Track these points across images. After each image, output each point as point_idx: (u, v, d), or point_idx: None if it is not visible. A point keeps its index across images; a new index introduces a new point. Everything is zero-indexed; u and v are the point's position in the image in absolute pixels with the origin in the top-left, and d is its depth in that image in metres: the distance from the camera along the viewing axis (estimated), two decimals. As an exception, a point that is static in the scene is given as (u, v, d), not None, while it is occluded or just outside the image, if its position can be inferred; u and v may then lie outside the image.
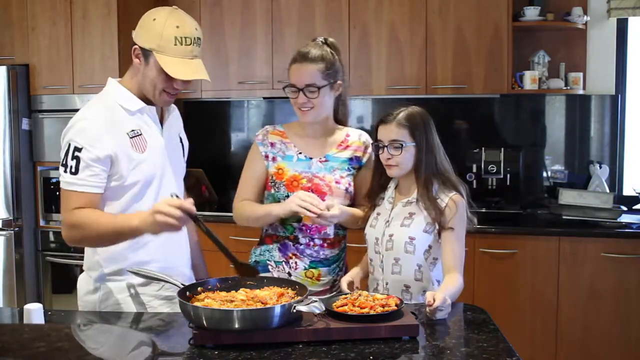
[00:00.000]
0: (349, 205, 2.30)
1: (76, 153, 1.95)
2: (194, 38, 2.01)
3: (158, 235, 1.93)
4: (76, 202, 1.95)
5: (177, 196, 1.89)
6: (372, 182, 2.31)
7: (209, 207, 4.23)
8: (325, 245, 2.28)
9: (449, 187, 2.20)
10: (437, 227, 2.15)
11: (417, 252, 2.16)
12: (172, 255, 2.15)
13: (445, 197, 2.17)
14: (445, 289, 2.01)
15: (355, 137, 2.37)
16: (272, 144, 2.32)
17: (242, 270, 1.95)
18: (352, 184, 2.32)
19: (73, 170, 1.95)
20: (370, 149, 2.35)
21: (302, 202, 2.12)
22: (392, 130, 2.18)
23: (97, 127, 1.97)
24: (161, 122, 2.15)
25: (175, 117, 2.25)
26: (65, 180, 1.97)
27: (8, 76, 4.16)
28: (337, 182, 2.28)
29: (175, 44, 1.97)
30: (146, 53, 2.01)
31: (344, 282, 2.21)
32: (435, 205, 2.15)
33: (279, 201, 2.25)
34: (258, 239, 2.40)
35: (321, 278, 2.28)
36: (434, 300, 1.86)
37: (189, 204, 1.85)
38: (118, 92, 2.07)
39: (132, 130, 2.03)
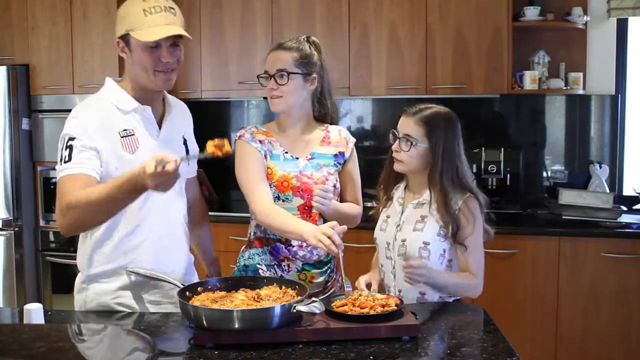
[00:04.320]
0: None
1: (69, 142, 1.92)
2: (164, 7, 1.96)
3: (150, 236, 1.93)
4: (70, 186, 1.87)
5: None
6: (384, 172, 2.27)
7: (209, 207, 4.23)
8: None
9: (465, 192, 2.12)
10: (450, 232, 2.08)
11: (432, 257, 2.10)
12: (163, 263, 2.08)
13: (459, 199, 2.10)
14: (448, 274, 2.03)
15: (335, 134, 2.34)
16: (260, 142, 2.25)
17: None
18: (338, 179, 2.31)
19: (66, 158, 1.92)
20: (351, 145, 2.35)
21: (325, 240, 1.93)
22: (408, 124, 2.13)
23: (87, 124, 1.95)
24: (161, 122, 2.10)
25: (179, 116, 2.18)
26: (59, 170, 1.92)
27: (8, 76, 4.16)
28: (325, 180, 2.25)
29: (145, 16, 1.93)
30: (126, 39, 1.98)
31: (362, 282, 2.16)
32: (452, 218, 2.07)
33: None
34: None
35: (314, 280, 2.26)
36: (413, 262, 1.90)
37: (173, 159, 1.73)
38: (113, 92, 2.05)
39: (125, 130, 2.00)
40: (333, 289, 2.31)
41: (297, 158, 2.26)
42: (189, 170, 2.26)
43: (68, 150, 1.92)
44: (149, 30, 1.93)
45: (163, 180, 1.72)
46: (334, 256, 2.33)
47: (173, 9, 1.99)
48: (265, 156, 2.24)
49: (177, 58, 2.02)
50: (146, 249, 2.04)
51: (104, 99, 2.05)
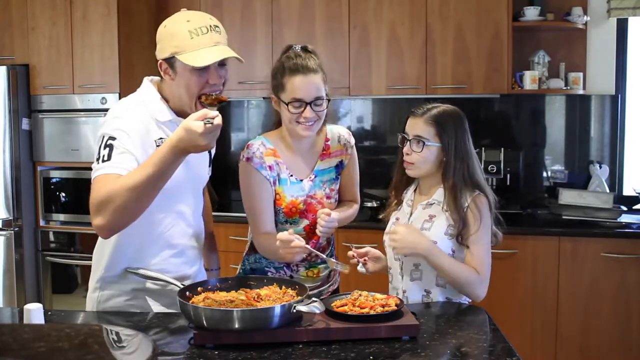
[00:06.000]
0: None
1: (109, 142, 1.85)
2: (210, 26, 1.90)
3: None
4: (106, 185, 1.78)
5: None
6: (395, 176, 2.26)
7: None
8: (321, 249, 2.28)
9: (474, 190, 2.10)
10: (457, 231, 2.07)
11: None
12: (179, 268, 2.08)
13: (468, 197, 2.09)
14: (444, 254, 2.05)
15: (335, 142, 2.31)
16: (270, 167, 2.19)
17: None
18: (337, 190, 2.32)
19: (105, 157, 1.82)
20: (350, 150, 2.34)
21: (288, 250, 1.99)
22: (418, 125, 2.11)
23: (128, 127, 1.89)
24: None
25: None
26: (96, 168, 1.83)
27: (8, 76, 4.16)
28: (328, 198, 2.27)
29: (192, 38, 1.88)
30: (171, 62, 1.92)
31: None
32: (460, 216, 2.06)
33: (276, 225, 2.22)
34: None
35: (320, 274, 2.33)
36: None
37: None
38: (151, 100, 1.99)
39: (160, 139, 1.94)
40: (335, 277, 2.40)
41: (301, 180, 2.24)
42: (207, 175, 2.25)
43: (108, 149, 1.84)
44: (197, 53, 1.88)
45: (213, 135, 1.73)
46: (333, 248, 2.38)
47: (217, 27, 1.94)
48: (274, 182, 2.20)
49: (224, 79, 1.99)
50: (164, 254, 2.04)
51: (143, 104, 1.98)
